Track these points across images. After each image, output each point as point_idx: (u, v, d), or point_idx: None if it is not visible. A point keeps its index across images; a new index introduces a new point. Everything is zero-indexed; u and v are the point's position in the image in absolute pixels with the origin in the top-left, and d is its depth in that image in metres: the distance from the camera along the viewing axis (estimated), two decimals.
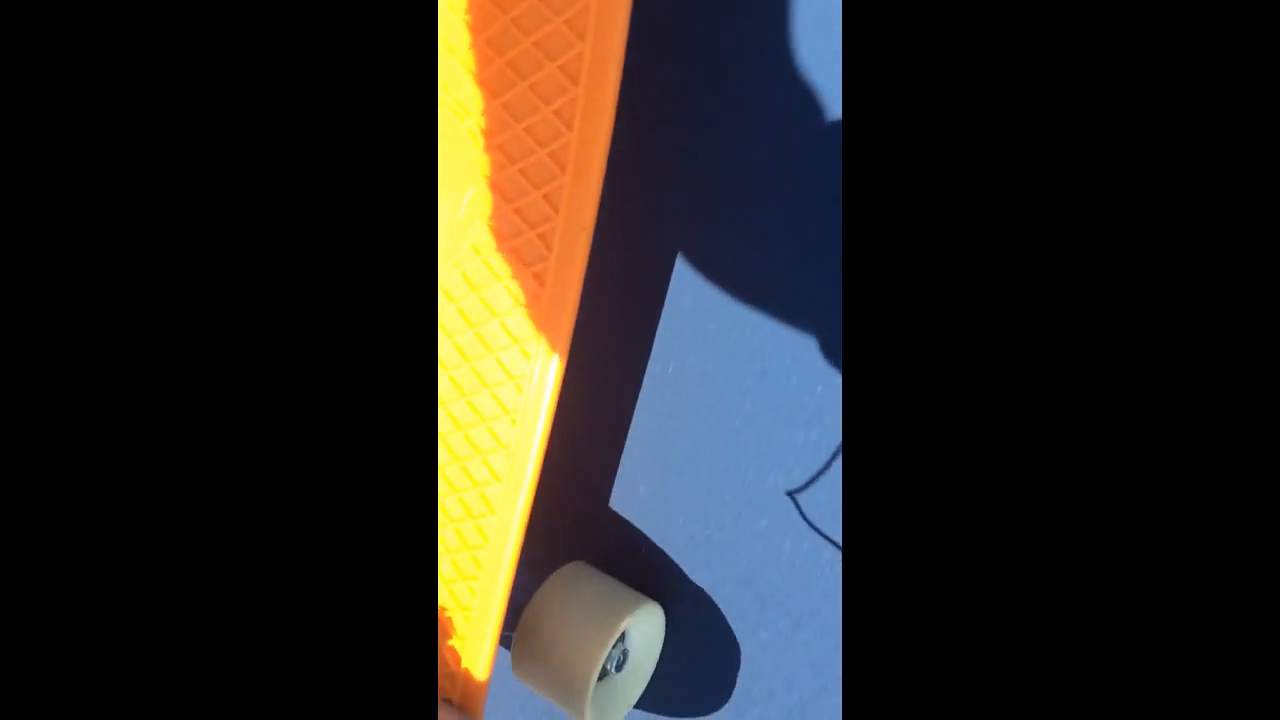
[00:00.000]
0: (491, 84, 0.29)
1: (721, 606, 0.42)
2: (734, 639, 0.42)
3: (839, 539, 0.37)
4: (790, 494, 0.39)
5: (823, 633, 0.40)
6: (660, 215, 0.38)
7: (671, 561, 0.42)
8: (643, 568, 0.43)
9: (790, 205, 0.35)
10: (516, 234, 0.30)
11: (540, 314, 0.30)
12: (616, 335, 0.41)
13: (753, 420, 0.38)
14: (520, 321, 0.30)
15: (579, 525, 0.45)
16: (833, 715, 0.40)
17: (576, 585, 0.40)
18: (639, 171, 0.37)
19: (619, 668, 0.40)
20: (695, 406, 0.40)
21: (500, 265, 0.30)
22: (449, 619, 0.34)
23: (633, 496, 0.43)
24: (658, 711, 0.44)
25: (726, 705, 0.43)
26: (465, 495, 0.33)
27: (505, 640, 0.41)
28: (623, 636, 0.40)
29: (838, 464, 0.37)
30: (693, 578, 0.42)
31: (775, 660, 0.41)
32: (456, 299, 0.32)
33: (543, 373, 0.30)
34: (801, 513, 0.38)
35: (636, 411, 0.42)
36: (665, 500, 0.42)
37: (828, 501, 0.37)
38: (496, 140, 0.29)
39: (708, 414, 0.40)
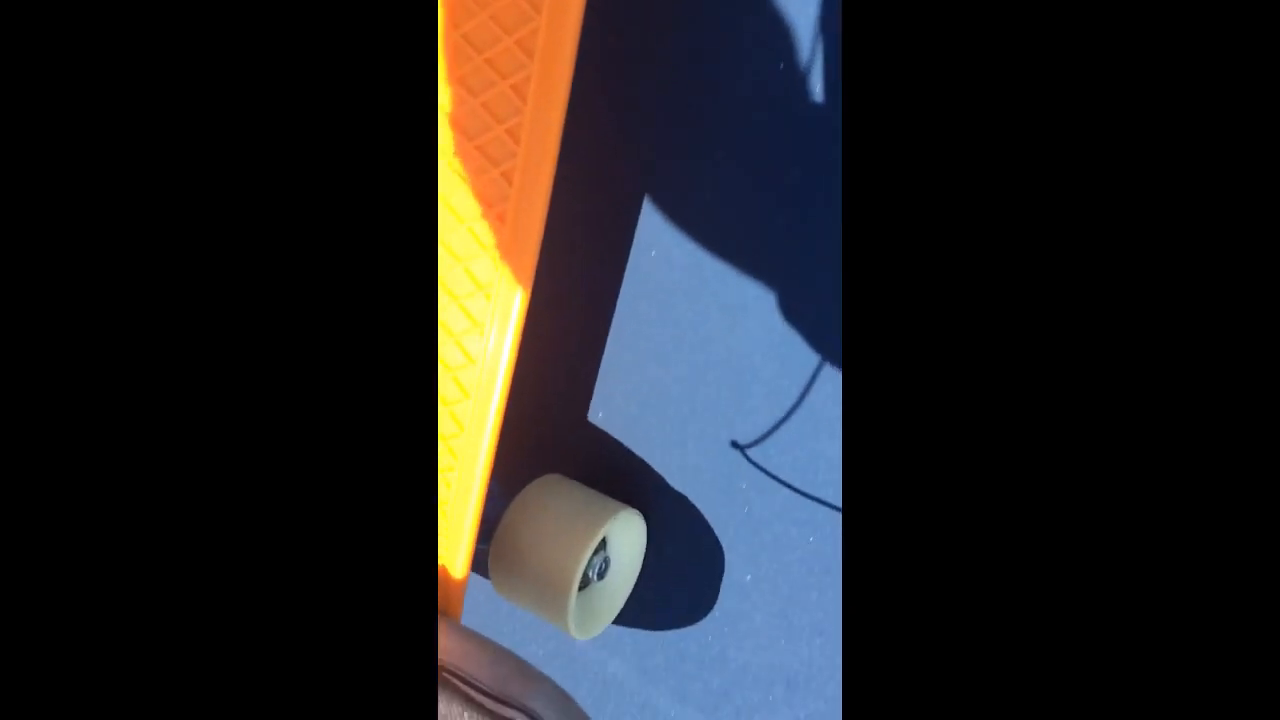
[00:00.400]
0: (453, 12, 0.27)
1: (704, 515, 0.41)
2: (718, 548, 0.41)
3: (836, 448, 0.36)
4: (749, 441, 0.37)
5: (811, 540, 0.39)
6: (633, 140, 0.36)
7: (652, 471, 0.41)
8: (622, 479, 0.42)
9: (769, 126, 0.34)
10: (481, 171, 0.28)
11: (505, 238, 0.28)
12: (592, 254, 0.39)
13: (734, 329, 0.37)
14: (486, 230, 0.29)
15: (556, 440, 0.43)
16: (825, 618, 0.39)
17: (554, 493, 0.38)
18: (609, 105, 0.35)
19: (601, 576, 0.39)
20: (673, 317, 0.39)
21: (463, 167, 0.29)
22: None
23: (611, 410, 0.42)
24: (643, 624, 0.43)
25: (712, 613, 0.42)
26: (439, 382, 0.32)
27: (481, 556, 0.40)
28: (604, 544, 0.39)
29: (826, 372, 0.36)
30: (674, 486, 0.41)
31: (760, 569, 0.41)
32: None
33: (509, 288, 0.29)
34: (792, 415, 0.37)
35: (613, 326, 0.41)
36: (643, 413, 0.41)
37: (823, 407, 0.36)
38: (457, 74, 0.28)
39: (686, 327, 0.38)
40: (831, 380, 0.36)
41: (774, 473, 0.38)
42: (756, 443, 0.38)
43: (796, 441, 0.37)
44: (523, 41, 0.27)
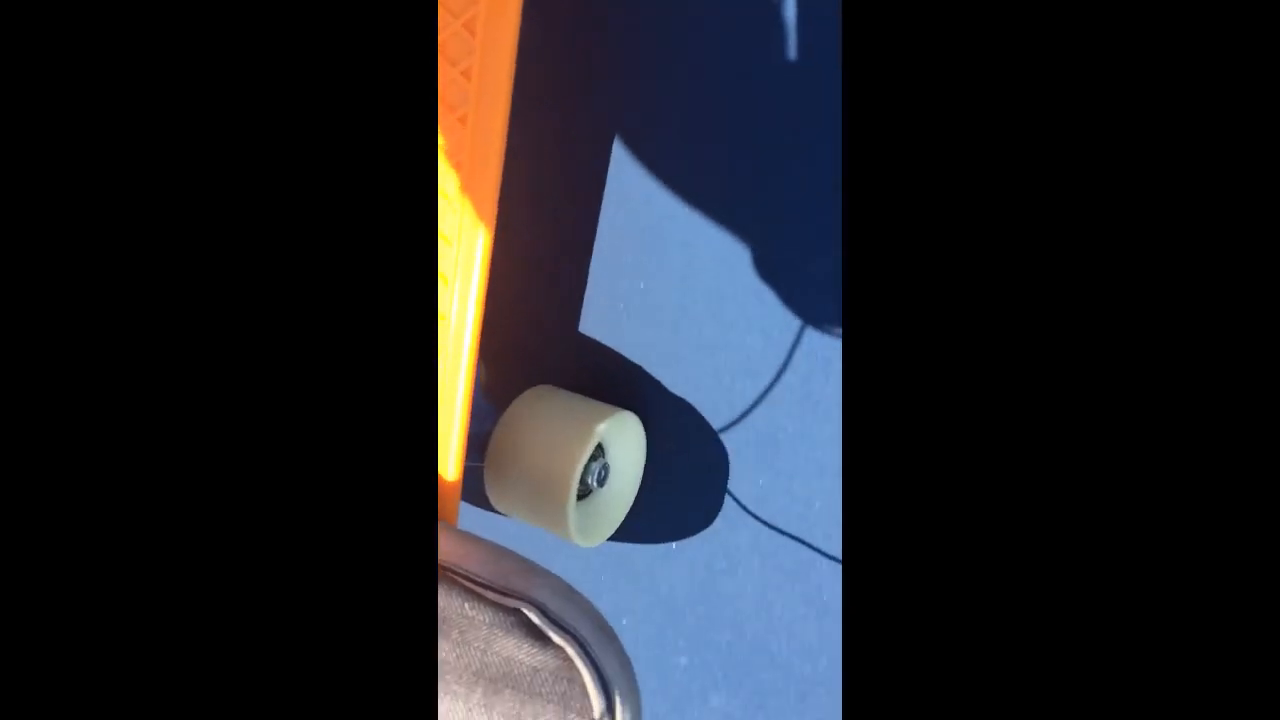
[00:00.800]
0: None
1: (706, 418, 0.40)
2: (721, 450, 0.40)
3: (835, 341, 0.35)
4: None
5: (815, 441, 0.38)
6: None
7: (649, 378, 0.40)
8: (618, 388, 0.41)
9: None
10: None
11: (468, 142, 0.27)
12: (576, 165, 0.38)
13: (729, 232, 0.36)
14: (445, 138, 0.27)
15: (547, 353, 0.42)
16: (828, 523, 0.38)
17: (547, 401, 0.37)
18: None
19: (601, 482, 0.38)
20: (664, 223, 0.37)
21: None
22: None
23: (601, 318, 0.41)
24: (646, 534, 0.42)
25: (715, 522, 0.41)
26: None
27: (475, 472, 0.38)
28: (602, 451, 0.38)
29: (827, 286, 0.35)
30: (672, 391, 0.40)
31: (764, 472, 0.39)
32: None
33: (477, 200, 0.27)
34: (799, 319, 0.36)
35: (599, 232, 0.39)
36: (636, 318, 0.40)
37: (823, 306, 0.35)
38: None
39: (680, 228, 0.37)
40: (832, 286, 0.34)
41: (770, 382, 0.37)
42: (755, 351, 0.37)
43: (799, 350, 0.36)
44: None
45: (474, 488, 0.40)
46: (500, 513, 0.39)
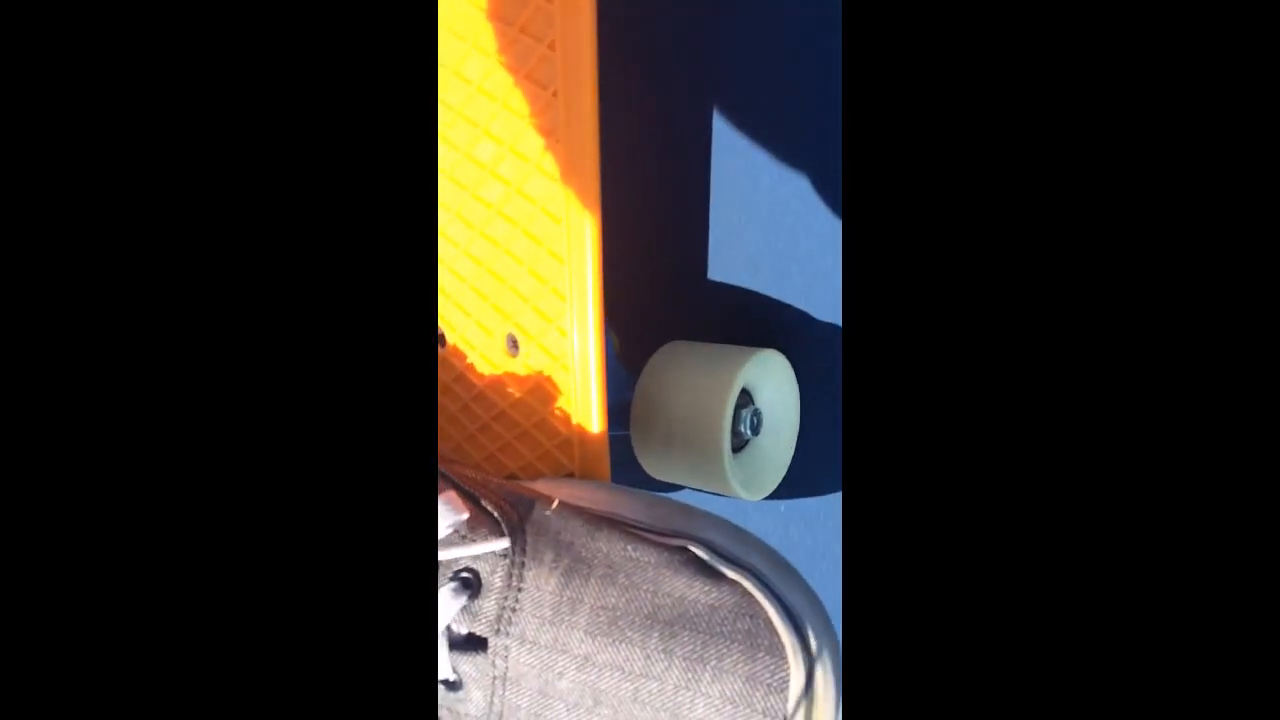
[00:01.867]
0: None
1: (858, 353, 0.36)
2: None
3: None
4: None
5: None
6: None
7: (793, 311, 0.37)
8: (755, 331, 0.38)
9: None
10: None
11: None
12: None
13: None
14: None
15: (676, 306, 0.40)
16: None
17: (681, 356, 0.35)
18: None
19: (755, 430, 0.35)
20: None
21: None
22: (549, 379, 0.31)
23: (728, 262, 0.38)
24: (813, 488, 0.39)
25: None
26: (531, 225, 0.29)
27: (625, 440, 0.37)
28: (750, 397, 0.35)
29: None
30: (819, 317, 0.37)
31: None
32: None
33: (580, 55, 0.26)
34: None
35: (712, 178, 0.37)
36: (765, 257, 0.37)
37: None
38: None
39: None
40: None
41: None
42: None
43: None
44: None
45: (628, 458, 0.39)
46: (661, 481, 0.37)
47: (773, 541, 0.30)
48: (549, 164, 0.28)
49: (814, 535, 0.40)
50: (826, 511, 0.39)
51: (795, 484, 0.38)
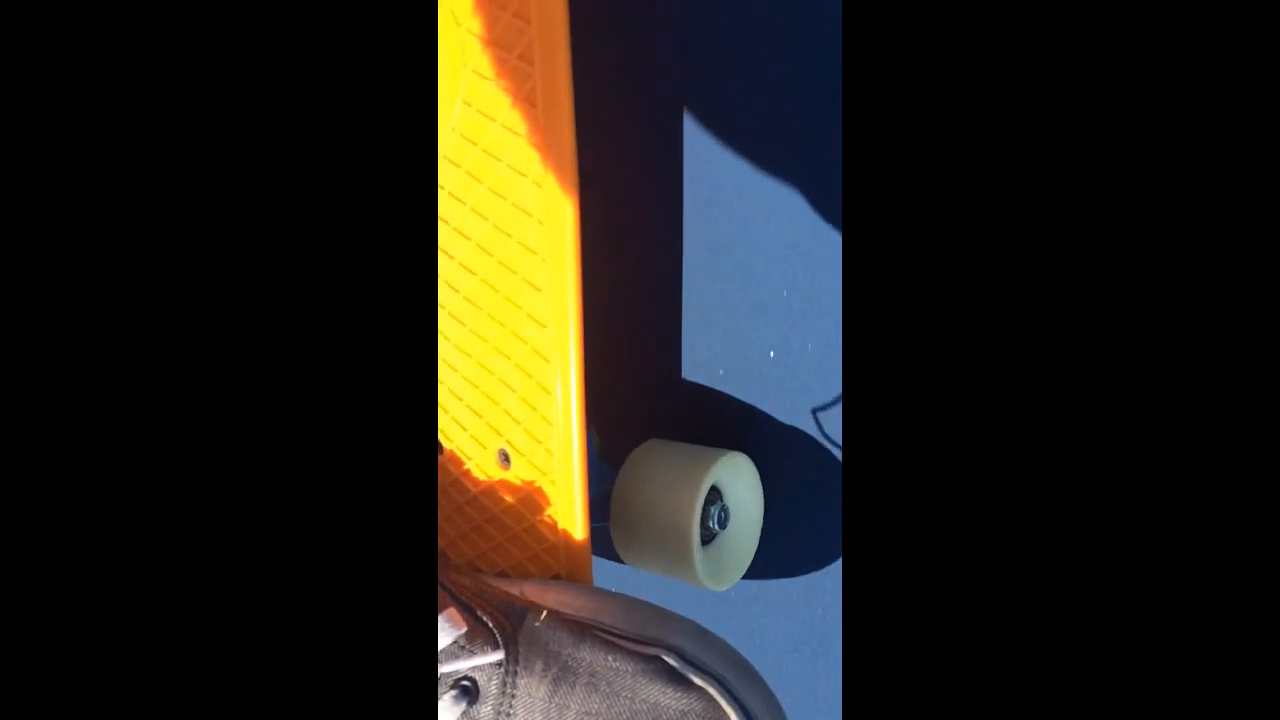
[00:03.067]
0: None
1: (821, 452, 0.40)
2: (836, 483, 0.40)
3: None
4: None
5: None
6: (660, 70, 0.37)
7: (759, 415, 0.41)
8: (724, 429, 0.42)
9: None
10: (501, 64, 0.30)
11: (541, 140, 0.30)
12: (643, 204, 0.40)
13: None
14: (524, 151, 0.31)
15: (655, 406, 0.44)
16: None
17: (657, 454, 0.39)
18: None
19: (723, 525, 0.39)
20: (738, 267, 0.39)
21: (497, 98, 0.31)
22: (538, 489, 0.34)
23: (701, 364, 0.42)
24: (779, 571, 0.43)
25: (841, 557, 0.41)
26: (521, 359, 0.33)
27: (603, 532, 0.41)
28: (719, 494, 0.39)
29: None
30: (783, 423, 0.41)
31: None
32: (458, 163, 0.32)
33: (559, 201, 0.30)
34: None
35: (685, 281, 0.41)
36: (734, 362, 0.41)
37: None
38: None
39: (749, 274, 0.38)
40: None
41: None
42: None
43: None
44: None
45: (604, 546, 0.42)
46: (632, 566, 0.41)
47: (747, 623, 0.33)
48: (539, 311, 0.32)
49: (786, 618, 0.43)
50: (797, 591, 0.43)
51: (761, 569, 0.42)
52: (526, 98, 0.30)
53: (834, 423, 0.39)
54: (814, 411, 0.39)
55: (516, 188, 0.31)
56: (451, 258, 0.34)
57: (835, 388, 0.38)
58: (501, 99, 0.31)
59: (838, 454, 0.40)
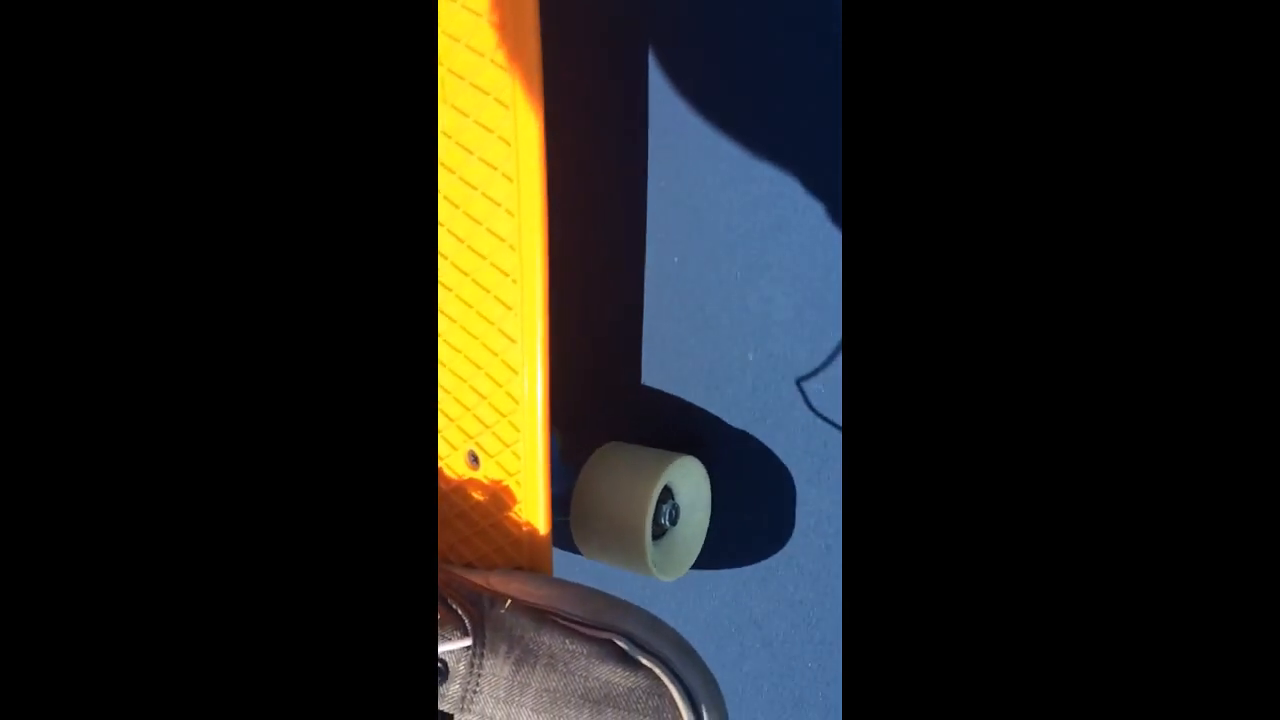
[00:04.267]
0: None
1: (765, 454, 0.44)
2: (782, 486, 0.44)
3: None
4: (800, 380, 0.40)
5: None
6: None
7: (710, 419, 0.45)
8: (681, 433, 0.46)
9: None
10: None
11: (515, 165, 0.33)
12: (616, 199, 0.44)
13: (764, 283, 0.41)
14: (500, 182, 0.33)
15: (614, 409, 0.47)
16: None
17: (617, 456, 0.42)
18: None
19: (674, 522, 0.43)
20: (706, 275, 0.42)
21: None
22: (505, 488, 0.37)
23: (659, 372, 0.46)
24: (723, 564, 0.46)
25: (781, 551, 0.45)
26: (490, 369, 0.36)
27: (563, 526, 0.44)
28: (671, 493, 0.43)
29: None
30: (733, 426, 0.44)
31: (823, 504, 0.43)
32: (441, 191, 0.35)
33: (530, 227, 0.33)
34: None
35: (646, 287, 0.45)
36: (693, 368, 0.45)
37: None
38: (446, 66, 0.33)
39: (718, 282, 0.42)
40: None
41: (823, 413, 0.41)
42: (809, 377, 0.41)
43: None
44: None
45: (565, 540, 0.46)
46: (590, 558, 0.44)
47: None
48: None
49: (730, 604, 0.47)
50: (738, 579, 0.47)
51: (711, 556, 0.46)
52: (499, 99, 0.33)
53: (784, 426, 0.43)
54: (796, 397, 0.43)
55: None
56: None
57: (788, 393, 0.42)
58: (481, 109, 0.33)
59: (782, 456, 0.44)
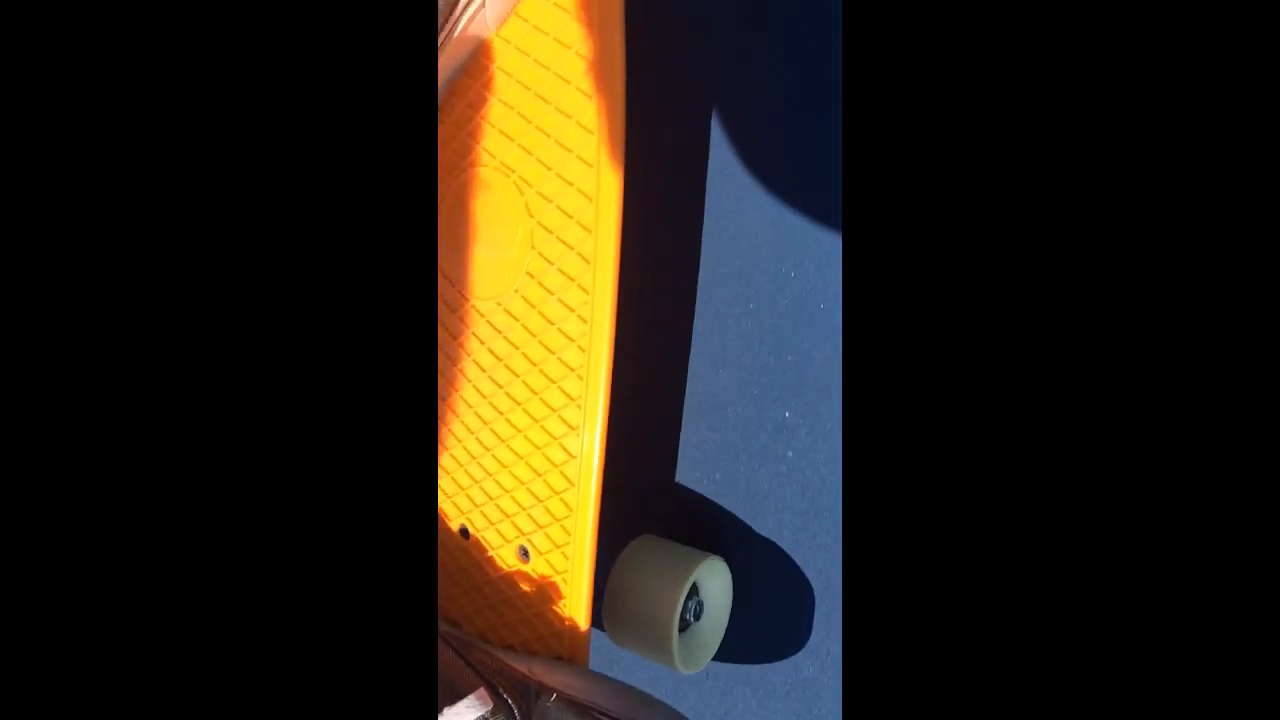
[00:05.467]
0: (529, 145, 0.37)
1: (786, 553, 0.48)
2: (804, 582, 0.48)
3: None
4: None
5: None
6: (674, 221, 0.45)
7: (736, 522, 0.49)
8: (709, 531, 0.49)
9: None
10: (562, 258, 0.37)
11: (591, 308, 0.37)
12: (657, 328, 0.48)
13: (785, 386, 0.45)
14: (575, 324, 0.38)
15: (650, 504, 0.51)
16: None
17: (649, 552, 0.46)
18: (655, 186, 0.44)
19: (697, 617, 0.46)
20: (737, 384, 0.46)
21: (553, 282, 0.38)
22: (552, 584, 0.41)
23: (690, 473, 0.50)
24: (739, 659, 0.50)
25: (806, 647, 0.48)
26: (548, 476, 0.40)
27: (599, 618, 0.48)
28: (696, 590, 0.46)
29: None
30: (755, 529, 0.48)
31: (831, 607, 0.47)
32: (519, 317, 0.39)
33: (596, 360, 0.37)
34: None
35: (688, 390, 0.49)
36: (724, 472, 0.49)
37: None
38: (537, 189, 0.37)
39: (748, 391, 0.46)
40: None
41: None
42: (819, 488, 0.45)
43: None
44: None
45: (596, 623, 0.49)
46: (617, 645, 0.48)
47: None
48: (572, 443, 0.39)
49: (750, 697, 0.51)
50: (761, 674, 0.50)
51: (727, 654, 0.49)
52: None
53: (807, 529, 0.47)
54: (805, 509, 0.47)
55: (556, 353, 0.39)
56: (485, 399, 0.41)
57: (814, 499, 0.46)
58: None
59: (797, 558, 0.47)
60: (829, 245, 0.41)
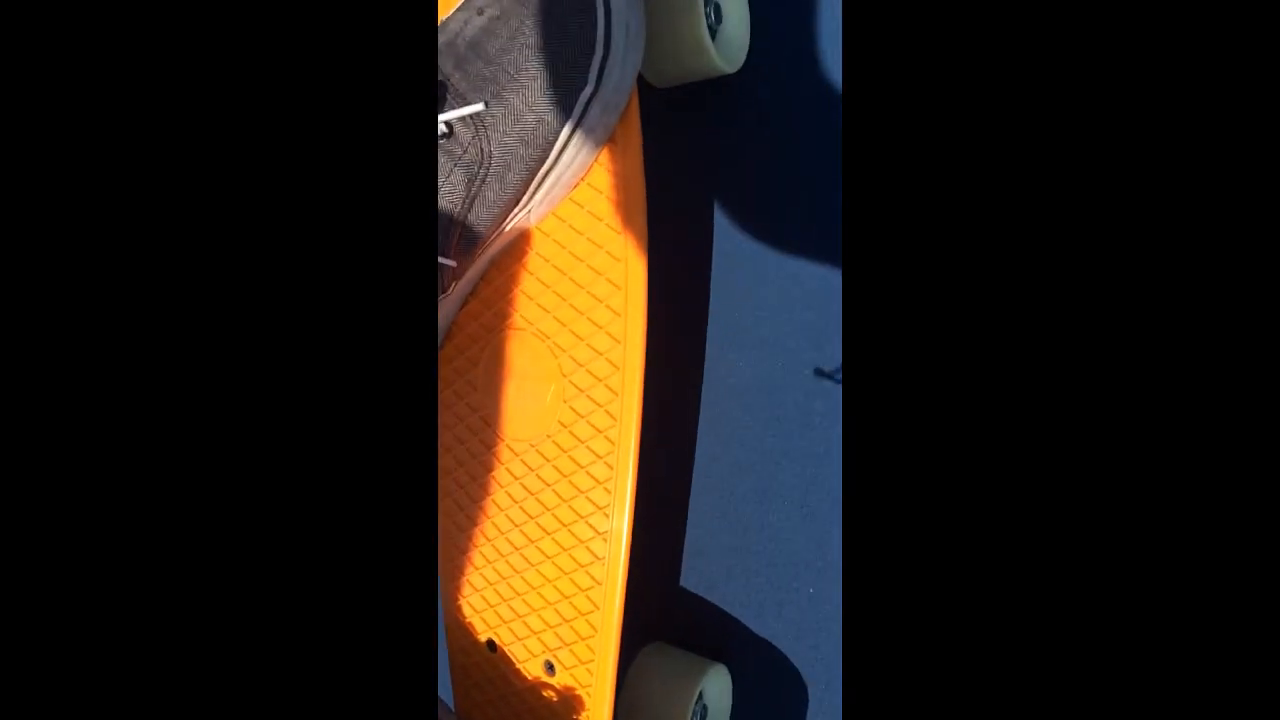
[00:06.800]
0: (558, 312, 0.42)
1: (788, 659, 0.52)
2: (803, 689, 0.52)
3: None
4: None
5: None
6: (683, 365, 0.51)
7: (737, 625, 0.53)
8: (710, 634, 0.54)
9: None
10: (590, 413, 0.43)
11: (616, 457, 0.42)
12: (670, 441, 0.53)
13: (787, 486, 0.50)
14: (602, 469, 0.43)
15: (659, 609, 0.56)
16: None
17: (659, 660, 0.51)
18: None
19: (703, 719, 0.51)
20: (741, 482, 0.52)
21: (582, 432, 0.43)
22: (576, 696, 0.45)
23: (696, 578, 0.54)
24: None
25: None
26: (575, 599, 0.45)
27: None
28: (700, 695, 0.51)
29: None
30: (757, 633, 0.53)
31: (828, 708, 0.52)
32: (550, 458, 0.44)
33: (620, 501, 0.43)
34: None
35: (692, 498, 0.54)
36: (726, 574, 0.53)
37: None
38: (570, 354, 0.43)
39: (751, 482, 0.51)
40: None
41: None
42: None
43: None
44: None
45: None
46: None
47: None
48: (598, 570, 0.44)
49: None
50: None
51: None
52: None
53: (802, 619, 0.51)
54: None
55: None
56: (516, 527, 0.46)
57: (801, 605, 0.51)
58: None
59: (791, 655, 0.52)
60: (836, 395, 0.47)
